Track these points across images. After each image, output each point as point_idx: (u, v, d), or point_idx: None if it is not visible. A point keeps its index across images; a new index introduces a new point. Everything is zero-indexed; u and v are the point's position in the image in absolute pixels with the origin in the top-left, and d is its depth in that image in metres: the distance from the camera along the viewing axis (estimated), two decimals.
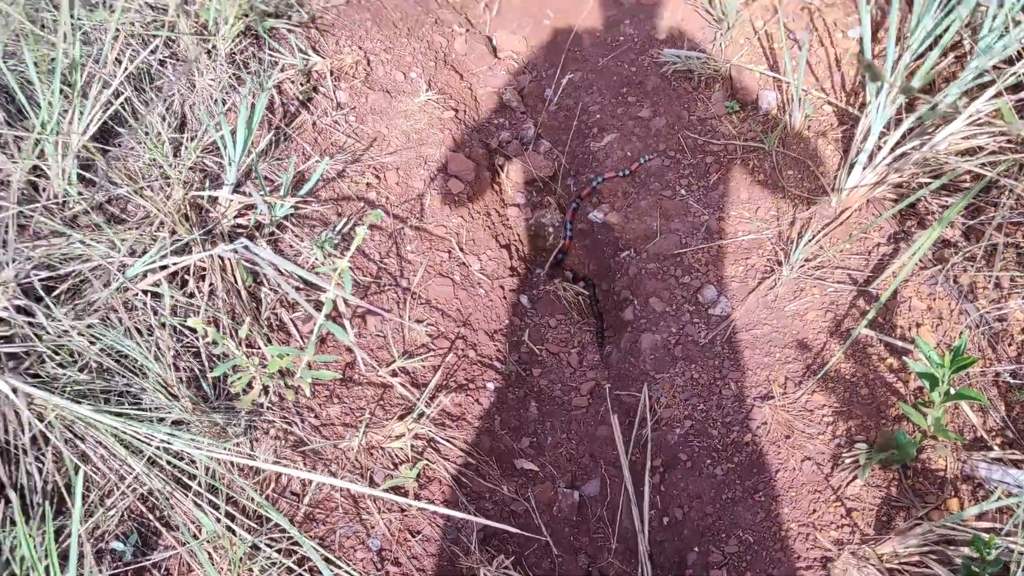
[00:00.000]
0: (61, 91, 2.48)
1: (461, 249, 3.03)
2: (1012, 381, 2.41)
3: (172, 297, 2.38)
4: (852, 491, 2.30)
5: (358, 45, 3.46)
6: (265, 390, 2.28)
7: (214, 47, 3.05)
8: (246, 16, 3.10)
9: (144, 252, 2.44)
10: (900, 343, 2.53)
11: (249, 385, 2.24)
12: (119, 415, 2.10)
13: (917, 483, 2.29)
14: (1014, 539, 2.00)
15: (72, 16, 2.68)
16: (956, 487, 2.25)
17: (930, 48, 2.85)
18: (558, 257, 3.35)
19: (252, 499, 2.18)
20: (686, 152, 3.36)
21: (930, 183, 2.75)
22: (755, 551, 2.30)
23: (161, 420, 2.18)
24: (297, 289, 2.57)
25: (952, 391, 2.15)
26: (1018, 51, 2.63)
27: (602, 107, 3.61)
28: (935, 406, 2.19)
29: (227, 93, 2.98)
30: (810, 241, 2.84)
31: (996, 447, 2.29)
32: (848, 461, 2.33)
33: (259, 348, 2.44)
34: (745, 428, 2.53)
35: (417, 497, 2.39)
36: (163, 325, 2.31)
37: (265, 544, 2.15)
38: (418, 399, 2.53)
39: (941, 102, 2.78)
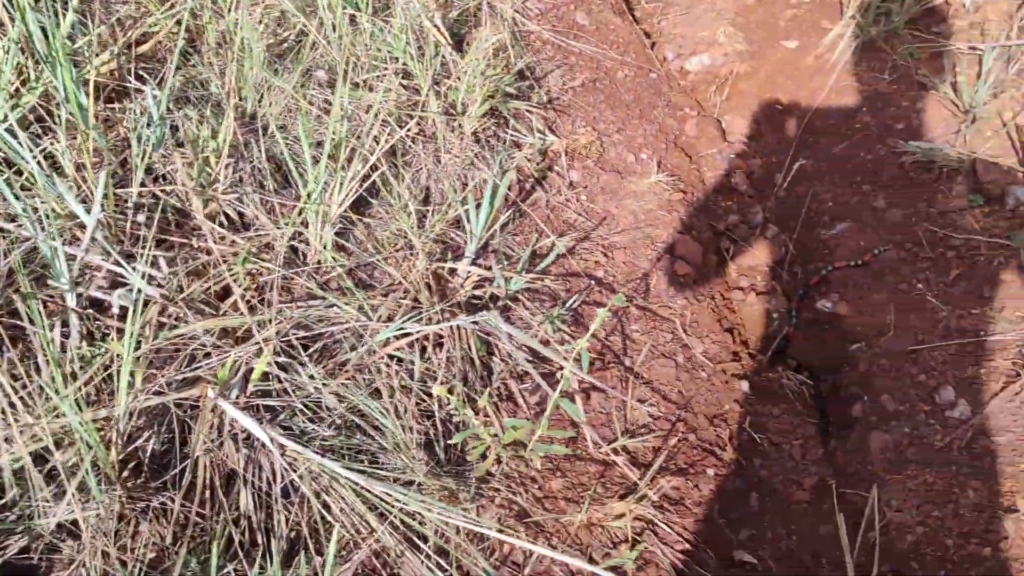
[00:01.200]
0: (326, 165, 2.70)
1: (685, 331, 3.04)
2: None
3: (413, 362, 2.51)
4: None
5: (592, 126, 3.58)
6: (498, 460, 2.35)
7: (460, 125, 3.23)
8: (491, 97, 3.27)
9: (390, 318, 2.59)
10: None
11: (484, 454, 2.32)
12: (360, 472, 2.23)
13: None
14: None
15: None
16: None
17: None
18: (781, 345, 3.30)
19: (478, 564, 2.24)
20: (924, 245, 3.25)
21: None
22: None
23: (396, 480, 2.29)
24: (527, 361, 2.66)
25: None
26: None
27: (834, 196, 3.56)
28: None
29: (470, 169, 3.14)
30: None
31: None
32: None
33: (489, 417, 2.53)
34: (984, 541, 2.40)
35: None
36: (405, 389, 2.44)
37: None
38: (639, 480, 2.54)
39: None
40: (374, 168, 2.94)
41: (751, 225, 3.60)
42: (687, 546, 2.51)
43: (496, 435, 2.28)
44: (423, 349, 2.62)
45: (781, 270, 3.51)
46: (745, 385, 3.07)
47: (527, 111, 3.46)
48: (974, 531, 2.43)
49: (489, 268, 2.79)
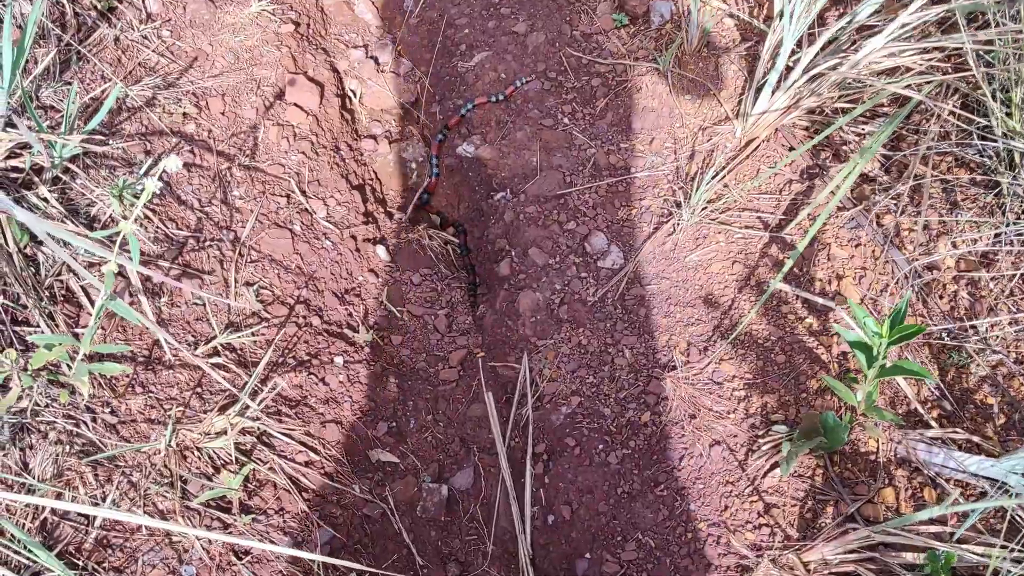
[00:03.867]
0: None
1: (303, 192, 2.56)
2: (947, 342, 2.11)
3: None
4: (771, 483, 1.97)
5: None
6: (28, 391, 1.78)
7: None
8: None
9: None
10: (820, 299, 2.19)
11: (5, 384, 1.74)
12: None
13: (845, 471, 1.97)
14: (968, 547, 1.69)
15: None
16: (890, 473, 1.94)
17: None
18: (422, 198, 2.90)
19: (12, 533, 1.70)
20: (569, 73, 2.93)
21: (849, 108, 2.41)
22: (657, 558, 1.95)
23: None
24: (86, 252, 2.07)
25: (888, 363, 1.81)
26: None
27: (471, 20, 3.13)
28: (867, 380, 1.85)
29: None
30: (713, 179, 2.47)
31: (933, 422, 1.99)
32: (766, 447, 1.99)
33: (36, 328, 1.94)
34: (643, 405, 2.17)
35: (245, 509, 1.95)
36: None
37: None
38: (246, 383, 2.08)
39: (860, 12, 2.42)
40: None
41: (380, 61, 3.11)
42: (311, 455, 2.09)
43: (17, 360, 1.71)
44: None
45: (418, 111, 3.08)
46: (381, 251, 2.66)
47: None
48: (632, 395, 2.20)
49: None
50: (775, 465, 1.97)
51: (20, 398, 1.74)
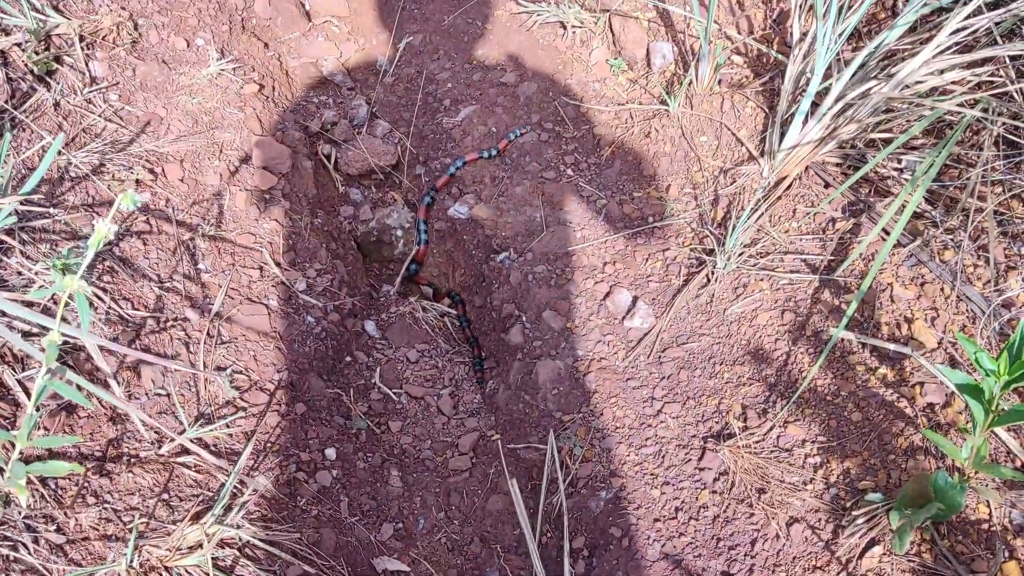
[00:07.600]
0: None
1: (277, 264, 2.26)
2: None
3: None
4: (870, 564, 1.65)
5: (121, 4, 2.65)
6: None
7: None
8: None
9: None
10: (892, 346, 1.92)
11: None
12: None
13: (956, 543, 1.66)
14: None
15: None
16: (1009, 544, 1.64)
17: None
18: (411, 269, 2.62)
19: None
20: (567, 123, 2.70)
21: (884, 140, 2.20)
22: None
23: None
24: (26, 336, 1.76)
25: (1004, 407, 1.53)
26: None
27: (453, 74, 2.91)
28: (976, 431, 1.57)
29: None
30: (748, 219, 2.22)
31: None
32: (860, 520, 1.68)
33: None
34: (698, 483, 1.86)
35: None
36: None
37: None
38: (223, 485, 1.75)
39: (893, 33, 2.21)
40: None
41: (355, 122, 2.85)
42: (305, 567, 1.75)
43: None
44: None
45: (400, 175, 2.82)
46: (370, 326, 2.37)
47: None
48: (683, 473, 1.89)
49: None
50: (872, 543, 1.66)
51: None
